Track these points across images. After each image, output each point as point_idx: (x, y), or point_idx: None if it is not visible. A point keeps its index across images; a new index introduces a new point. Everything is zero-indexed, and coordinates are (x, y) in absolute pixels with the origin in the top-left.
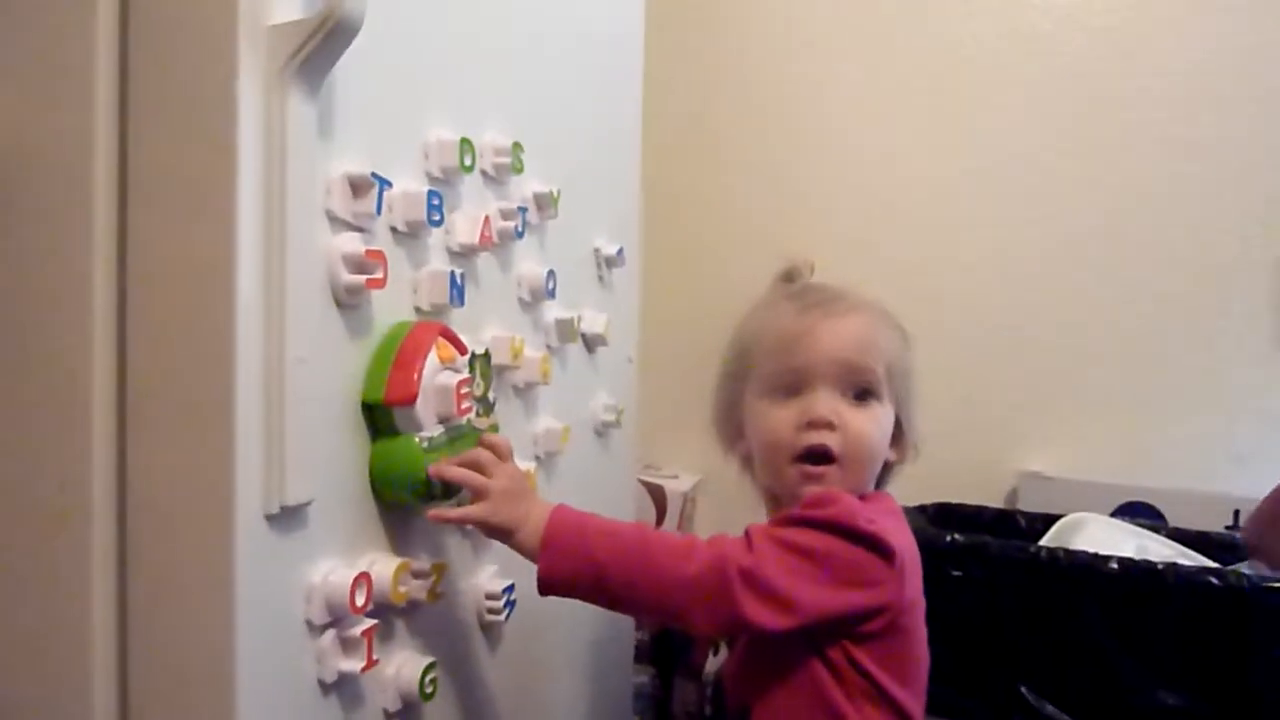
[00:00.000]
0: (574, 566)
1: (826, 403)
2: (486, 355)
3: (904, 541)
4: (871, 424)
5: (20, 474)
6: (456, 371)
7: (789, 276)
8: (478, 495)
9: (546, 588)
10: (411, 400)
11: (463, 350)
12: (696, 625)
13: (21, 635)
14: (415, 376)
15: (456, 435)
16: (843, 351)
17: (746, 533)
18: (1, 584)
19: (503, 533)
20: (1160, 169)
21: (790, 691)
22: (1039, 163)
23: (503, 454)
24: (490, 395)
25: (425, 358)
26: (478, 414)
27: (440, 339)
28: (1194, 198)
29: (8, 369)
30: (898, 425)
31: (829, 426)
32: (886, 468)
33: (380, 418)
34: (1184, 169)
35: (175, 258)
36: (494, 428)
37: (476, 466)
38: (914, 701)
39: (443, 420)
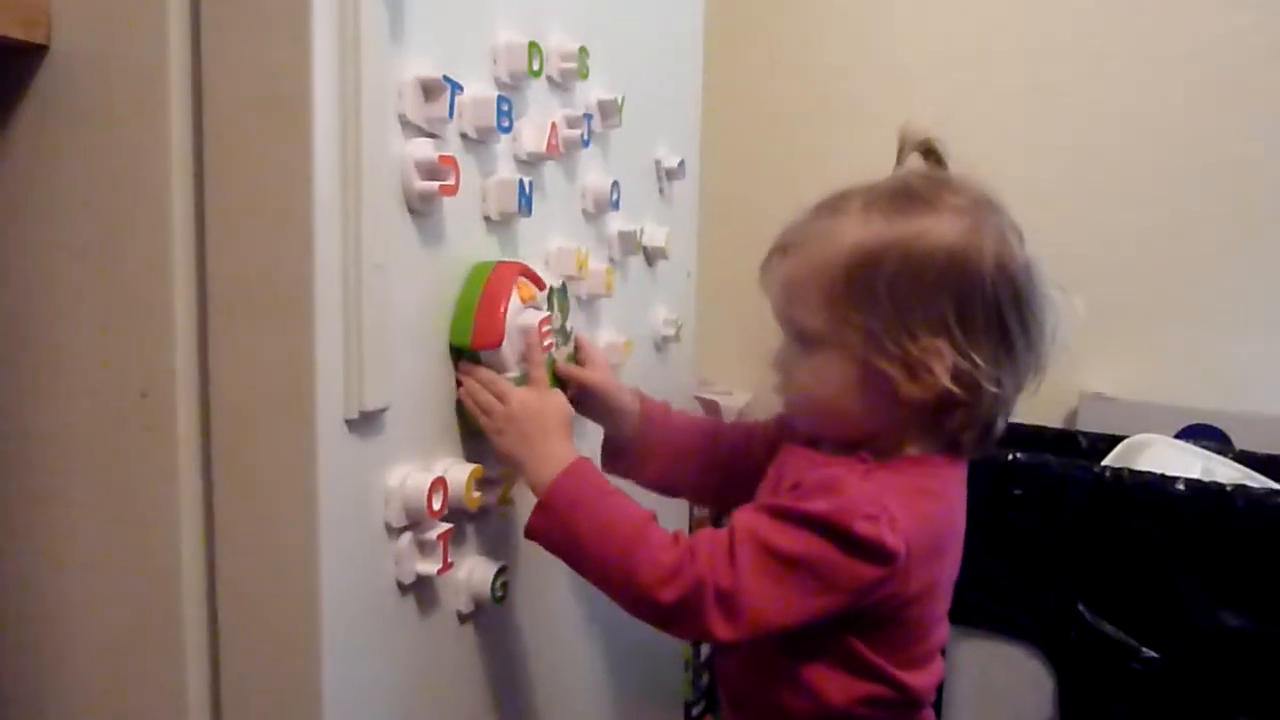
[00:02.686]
0: (555, 541)
1: (777, 352)
2: (564, 288)
3: (924, 530)
4: (807, 373)
5: (103, 386)
6: (538, 309)
7: (901, 157)
8: (484, 413)
9: (532, 539)
10: (498, 344)
11: (541, 286)
12: (663, 632)
13: (109, 549)
14: (500, 321)
15: None
16: (775, 302)
17: (731, 531)
18: (87, 498)
19: (508, 464)
20: (1237, 73)
21: (772, 652)
22: (1109, 68)
23: (593, 369)
24: (568, 326)
25: (508, 300)
26: (557, 346)
27: (521, 278)
28: (1273, 104)
29: (89, 283)
30: (906, 362)
31: (780, 376)
32: (935, 411)
33: (468, 358)
34: (1263, 75)
35: (252, 165)
36: (571, 358)
37: (495, 389)
38: (913, 676)
39: (524, 358)
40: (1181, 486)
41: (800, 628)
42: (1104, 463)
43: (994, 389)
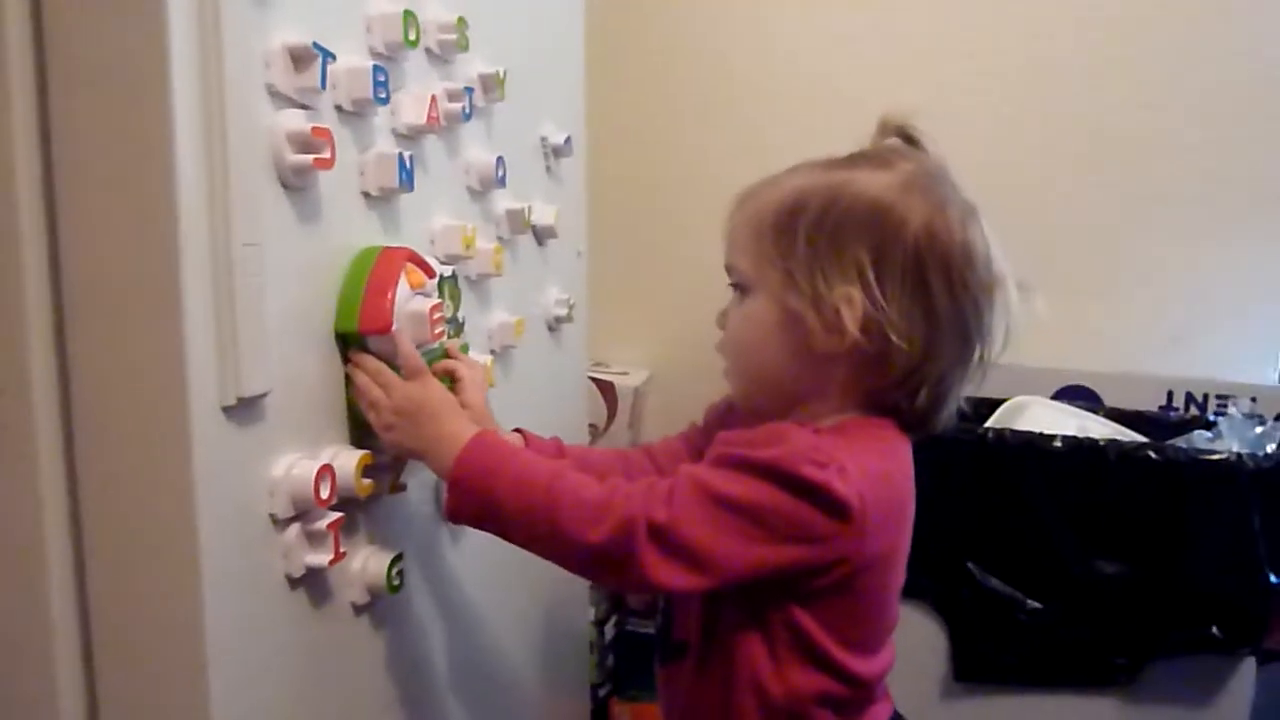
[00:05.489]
0: (476, 514)
1: (725, 306)
2: (454, 277)
3: (876, 489)
4: (739, 318)
5: None
6: (427, 296)
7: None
8: (371, 409)
9: (456, 523)
10: (387, 329)
11: (431, 274)
12: (607, 586)
13: None
14: (388, 305)
15: (430, 359)
16: (725, 252)
17: (675, 479)
18: None
19: (408, 454)
20: (1101, 48)
21: (720, 641)
22: (979, 40)
23: (462, 377)
24: (459, 316)
25: (396, 285)
26: (449, 335)
27: (409, 264)
28: (1134, 75)
29: None
30: (819, 308)
31: (721, 329)
32: (851, 371)
33: (355, 346)
34: (1123, 51)
35: (107, 139)
36: (464, 348)
37: (381, 380)
38: (861, 662)
39: (417, 346)
40: (1059, 444)
41: (743, 577)
42: (987, 425)
43: (904, 346)
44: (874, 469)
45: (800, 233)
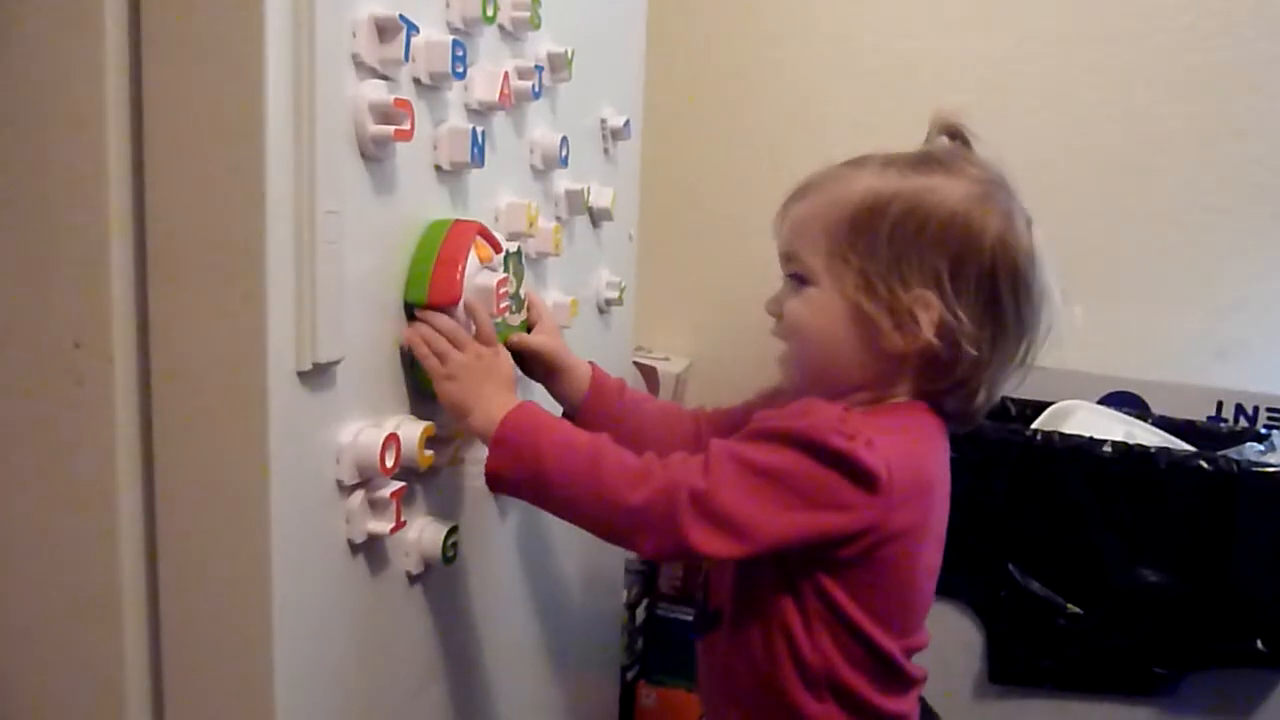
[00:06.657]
0: (519, 472)
1: (776, 293)
2: (519, 253)
3: (905, 462)
4: (800, 307)
5: (31, 336)
6: (494, 271)
7: (929, 139)
8: (442, 357)
9: (494, 486)
10: (456, 301)
11: (498, 248)
12: (643, 553)
13: (39, 504)
14: (458, 278)
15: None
16: (782, 242)
17: (708, 451)
18: (15, 451)
19: (452, 411)
20: (1159, 52)
21: (753, 608)
22: (1038, 50)
23: (541, 331)
24: (522, 292)
25: (466, 258)
26: (511, 311)
27: (479, 238)
28: (1189, 82)
29: (15, 224)
30: (894, 309)
31: (774, 316)
32: (916, 369)
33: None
34: (1181, 57)
35: (199, 102)
36: (524, 324)
37: (456, 339)
38: (889, 636)
39: (474, 319)
40: (1109, 449)
41: (778, 544)
42: (1033, 426)
43: (974, 351)
44: (901, 443)
45: (882, 234)
